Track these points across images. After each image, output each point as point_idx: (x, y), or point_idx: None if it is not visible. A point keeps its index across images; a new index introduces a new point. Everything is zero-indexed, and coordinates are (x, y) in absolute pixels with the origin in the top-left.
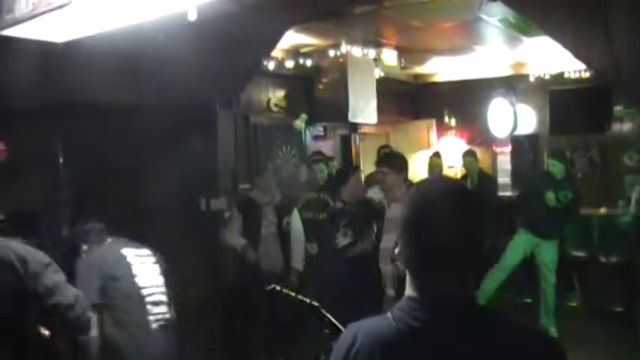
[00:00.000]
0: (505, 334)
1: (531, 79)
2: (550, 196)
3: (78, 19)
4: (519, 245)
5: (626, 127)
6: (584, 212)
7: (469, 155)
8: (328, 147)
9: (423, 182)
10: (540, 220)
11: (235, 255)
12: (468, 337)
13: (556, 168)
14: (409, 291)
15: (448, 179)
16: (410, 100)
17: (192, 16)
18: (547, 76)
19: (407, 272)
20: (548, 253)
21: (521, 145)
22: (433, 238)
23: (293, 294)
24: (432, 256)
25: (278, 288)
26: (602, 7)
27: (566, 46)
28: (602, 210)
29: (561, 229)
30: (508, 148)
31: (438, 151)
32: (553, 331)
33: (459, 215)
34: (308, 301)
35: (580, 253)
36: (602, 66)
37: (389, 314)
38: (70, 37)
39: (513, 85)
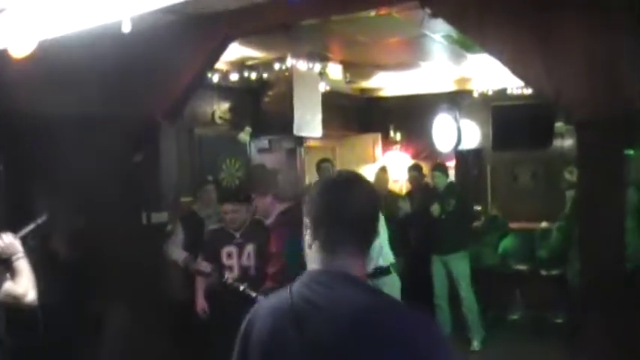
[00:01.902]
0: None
1: (475, 94)
2: (435, 208)
3: (11, 27)
4: (437, 270)
5: (567, 143)
6: (527, 226)
7: (414, 170)
8: (274, 160)
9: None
10: (433, 236)
11: (177, 269)
12: (337, 304)
13: (440, 179)
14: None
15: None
16: (356, 114)
17: (127, 29)
18: (490, 92)
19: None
20: (457, 266)
21: (465, 160)
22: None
23: (242, 287)
24: (321, 229)
25: (230, 280)
26: (541, 27)
27: (505, 64)
28: (544, 224)
29: (464, 241)
30: (452, 163)
31: (385, 166)
32: (476, 345)
33: (340, 195)
34: (253, 294)
35: (522, 267)
36: (540, 85)
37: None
38: (3, 45)
39: (457, 100)
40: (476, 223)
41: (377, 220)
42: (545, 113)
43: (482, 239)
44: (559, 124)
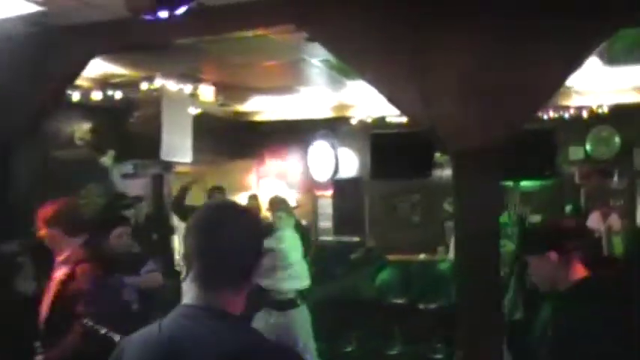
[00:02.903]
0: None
1: (354, 122)
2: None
3: None
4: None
5: (447, 173)
6: (405, 258)
7: (253, 199)
8: (139, 186)
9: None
10: None
11: (27, 301)
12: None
13: (283, 221)
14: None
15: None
16: (229, 139)
17: None
18: (369, 120)
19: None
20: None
21: (342, 189)
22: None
23: (103, 330)
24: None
25: (90, 323)
26: (418, 56)
27: (381, 92)
28: (422, 256)
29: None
30: (330, 192)
31: (255, 194)
32: None
33: (209, 229)
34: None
35: (399, 300)
36: (416, 114)
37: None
38: None
39: (336, 127)
40: (353, 255)
41: (257, 251)
42: (424, 142)
43: (359, 271)
44: (439, 154)
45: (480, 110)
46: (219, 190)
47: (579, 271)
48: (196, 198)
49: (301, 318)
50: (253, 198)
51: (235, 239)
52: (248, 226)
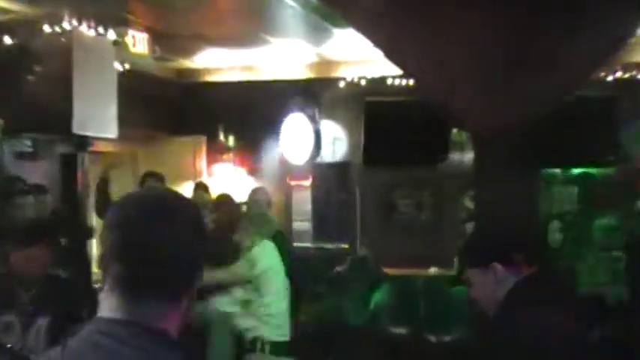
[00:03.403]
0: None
1: (341, 85)
2: None
3: None
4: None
5: (469, 156)
6: (406, 273)
7: (201, 189)
8: (40, 171)
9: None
10: None
11: None
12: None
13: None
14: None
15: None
16: (170, 107)
17: None
18: (362, 82)
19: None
20: None
21: (325, 178)
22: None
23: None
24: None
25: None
26: (433, 15)
27: (379, 46)
28: (432, 270)
29: None
30: (308, 182)
31: (204, 183)
32: None
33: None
34: None
35: (400, 330)
36: (424, 80)
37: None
38: None
39: (317, 92)
40: (339, 268)
41: (199, 255)
42: (439, 114)
43: (346, 290)
44: (457, 131)
45: (512, 79)
46: (155, 176)
47: None
48: (125, 188)
49: None
50: (202, 188)
51: (170, 236)
52: (187, 220)
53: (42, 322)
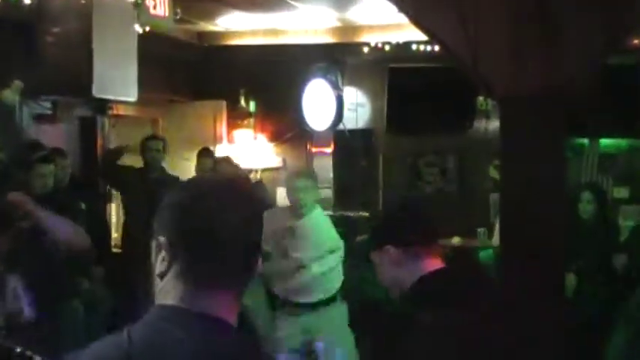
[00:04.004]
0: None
1: (365, 50)
2: None
3: None
4: None
5: (495, 125)
6: None
7: (206, 156)
8: (59, 135)
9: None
10: None
11: None
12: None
13: None
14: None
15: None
16: (191, 71)
17: None
18: (386, 48)
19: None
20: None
21: (347, 146)
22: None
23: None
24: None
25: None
26: None
27: (403, 10)
28: (456, 240)
29: None
30: (330, 149)
31: (228, 157)
32: None
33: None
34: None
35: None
36: (452, 44)
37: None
38: None
39: (339, 58)
40: (360, 238)
41: (260, 241)
42: (464, 81)
43: (370, 260)
44: (483, 99)
45: (541, 43)
46: (156, 139)
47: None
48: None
49: (339, 316)
50: (226, 161)
51: (245, 223)
52: (255, 208)
53: (14, 282)
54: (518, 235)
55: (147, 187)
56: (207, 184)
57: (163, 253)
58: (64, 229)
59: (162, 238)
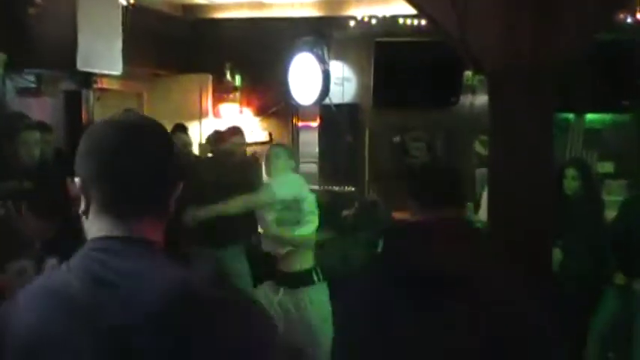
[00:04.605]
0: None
1: (352, 24)
2: None
3: None
4: None
5: (481, 100)
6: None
7: (179, 131)
8: (44, 108)
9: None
10: None
11: None
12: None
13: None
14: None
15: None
16: (176, 44)
17: None
18: (374, 22)
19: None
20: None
21: (333, 120)
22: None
23: None
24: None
25: None
26: None
27: None
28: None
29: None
30: (316, 123)
31: (182, 123)
32: None
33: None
34: None
35: None
36: (439, 15)
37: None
38: None
39: (325, 31)
40: (346, 212)
41: (175, 170)
42: (451, 56)
43: (355, 236)
44: (469, 73)
45: (532, 18)
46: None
47: None
48: None
49: (319, 300)
50: (180, 130)
51: (145, 157)
52: (158, 140)
53: (52, 261)
54: (505, 210)
55: None
56: (103, 126)
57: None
58: None
59: (77, 180)
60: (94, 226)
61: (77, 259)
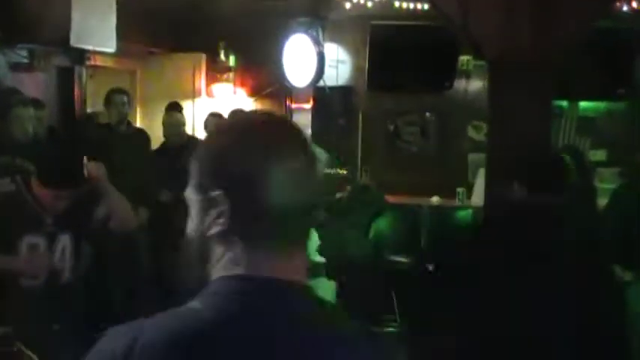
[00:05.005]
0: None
1: (347, 6)
2: None
3: None
4: None
5: (475, 85)
6: (410, 202)
7: (173, 109)
8: (36, 84)
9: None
10: None
11: None
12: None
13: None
14: (232, 269)
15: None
16: (170, 22)
17: None
18: (370, 4)
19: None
20: None
21: (327, 102)
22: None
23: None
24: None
25: None
26: None
27: None
28: (435, 199)
29: None
30: (309, 105)
31: (177, 102)
32: None
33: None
34: None
35: (401, 259)
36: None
37: (195, 303)
38: None
39: (321, 14)
40: (338, 195)
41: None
42: (446, 40)
43: (347, 218)
44: (465, 58)
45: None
46: (122, 92)
47: None
48: None
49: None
50: (175, 108)
51: (317, 174)
52: (313, 154)
53: (65, 241)
54: (503, 196)
55: (114, 142)
56: (273, 129)
57: (217, 210)
58: (122, 207)
59: (216, 193)
60: (230, 262)
61: (213, 299)
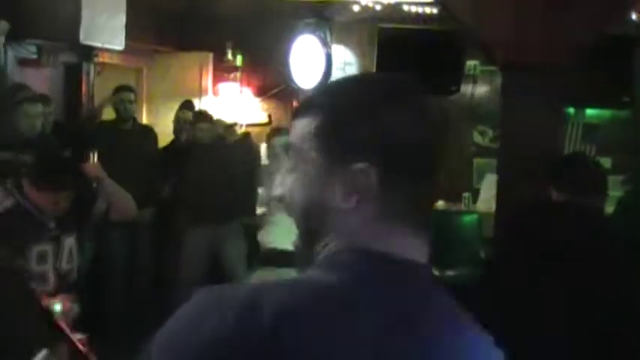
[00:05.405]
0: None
1: (355, 9)
2: None
3: None
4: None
5: (481, 90)
6: None
7: (187, 108)
8: (43, 80)
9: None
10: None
11: None
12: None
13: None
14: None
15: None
16: (178, 22)
17: None
18: (378, 7)
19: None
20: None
21: None
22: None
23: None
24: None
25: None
26: None
27: None
28: (440, 204)
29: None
30: None
31: (190, 100)
32: None
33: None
34: None
35: None
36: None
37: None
38: None
39: (329, 16)
40: None
41: None
42: (454, 45)
43: None
44: (472, 63)
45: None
46: (128, 90)
47: None
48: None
49: None
50: (187, 107)
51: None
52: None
53: (69, 243)
54: (512, 199)
55: (120, 139)
56: (420, 96)
57: (355, 183)
58: (122, 199)
59: (362, 165)
60: (371, 233)
61: (348, 272)
